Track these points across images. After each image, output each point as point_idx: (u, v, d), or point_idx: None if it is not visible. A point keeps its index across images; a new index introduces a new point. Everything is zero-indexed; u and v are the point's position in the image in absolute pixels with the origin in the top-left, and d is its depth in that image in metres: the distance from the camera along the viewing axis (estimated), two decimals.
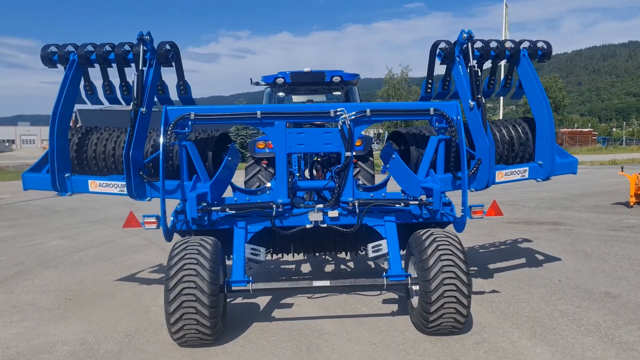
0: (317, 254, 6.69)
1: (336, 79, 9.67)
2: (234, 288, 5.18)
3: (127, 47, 5.59)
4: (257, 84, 10.49)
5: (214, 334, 4.89)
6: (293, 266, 8.15)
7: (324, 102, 10.05)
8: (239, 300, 6.37)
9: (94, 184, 5.73)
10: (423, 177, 5.61)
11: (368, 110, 5.38)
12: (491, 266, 7.84)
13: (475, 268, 7.82)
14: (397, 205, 5.50)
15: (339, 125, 5.35)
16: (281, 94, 10.07)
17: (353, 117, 5.37)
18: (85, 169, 5.92)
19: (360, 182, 7.38)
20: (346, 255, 7.00)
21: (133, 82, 5.56)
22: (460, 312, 4.93)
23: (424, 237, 5.21)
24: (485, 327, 5.37)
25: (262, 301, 6.34)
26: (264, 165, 8.61)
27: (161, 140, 5.15)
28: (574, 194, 17.66)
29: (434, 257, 4.98)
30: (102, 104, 6.34)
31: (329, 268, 8.02)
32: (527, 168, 6.09)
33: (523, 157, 6.24)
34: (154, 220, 5.27)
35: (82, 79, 5.89)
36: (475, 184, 5.79)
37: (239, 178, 6.67)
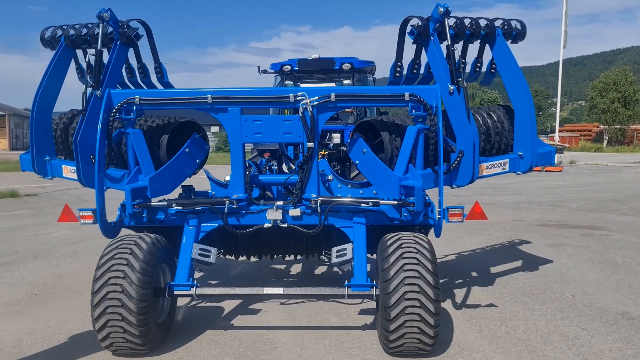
0: (283, 257, 6.03)
1: (346, 66, 9.04)
2: (176, 292, 4.67)
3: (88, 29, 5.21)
4: (265, 71, 9.98)
5: (145, 343, 4.38)
6: (284, 266, 7.57)
7: None
8: (206, 303, 5.85)
9: (66, 169, 5.45)
10: (402, 173, 4.88)
11: (332, 95, 4.73)
12: (497, 274, 6.98)
13: (475, 274, 6.99)
14: (363, 204, 4.80)
15: (300, 112, 4.72)
16: (289, 82, 9.50)
17: (315, 102, 4.73)
18: (72, 155, 5.65)
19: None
20: (307, 258, 6.33)
21: (88, 62, 5.24)
22: (426, 333, 4.21)
23: (388, 243, 4.51)
24: (463, 349, 4.62)
25: (229, 305, 5.80)
26: (267, 158, 8.10)
27: (99, 126, 4.70)
28: (628, 195, 16.18)
29: (396, 267, 4.27)
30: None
31: (321, 270, 7.40)
32: (507, 160, 5.35)
33: (499, 148, 5.50)
34: (90, 214, 4.81)
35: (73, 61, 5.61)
36: (458, 179, 5.04)
37: None
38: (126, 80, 5.89)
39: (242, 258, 6.30)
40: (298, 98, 4.73)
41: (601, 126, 75.25)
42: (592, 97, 75.32)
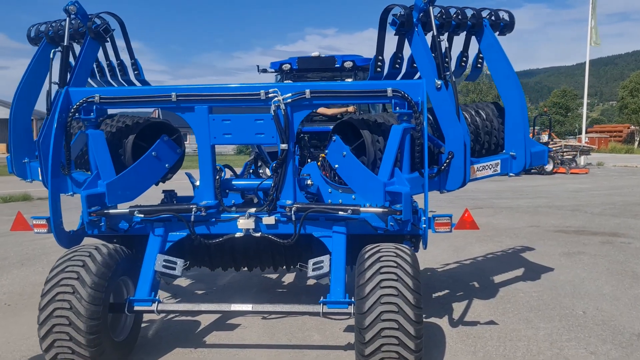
0: (261, 269, 5.56)
1: (348, 64, 8.62)
2: (136, 308, 4.27)
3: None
4: (265, 71, 9.62)
5: None
6: (276, 276, 7.14)
7: None
8: (183, 317, 5.45)
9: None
10: (387, 178, 4.40)
11: (307, 92, 4.29)
12: (502, 287, 6.41)
13: (479, 286, 6.44)
14: (340, 212, 4.34)
15: (272, 111, 4.29)
16: (289, 81, 9.09)
17: (289, 100, 4.30)
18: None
19: None
20: (288, 270, 5.88)
21: (51, 58, 4.94)
22: (405, 358, 3.72)
23: (366, 255, 4.04)
24: None
25: (208, 319, 5.39)
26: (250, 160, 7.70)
27: (54, 125, 4.36)
28: None
29: (372, 283, 3.80)
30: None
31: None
32: (498, 161, 4.90)
33: (489, 148, 5.07)
34: (44, 222, 4.45)
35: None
36: (448, 183, 4.56)
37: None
38: (100, 79, 5.57)
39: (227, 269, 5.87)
40: (270, 95, 4.31)
41: (632, 127, 72.99)
42: (622, 97, 73.31)
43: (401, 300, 3.72)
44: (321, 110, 8.37)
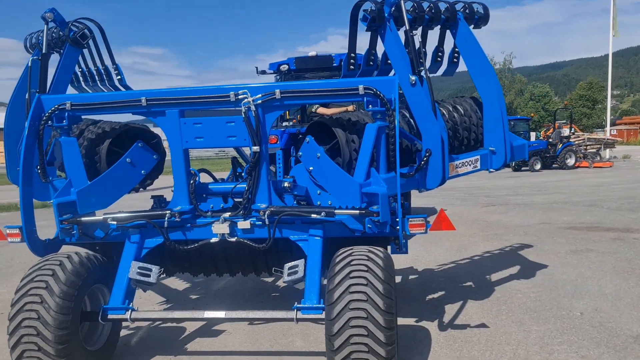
0: (243, 274, 5.45)
1: None
2: (110, 316, 4.23)
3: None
4: (264, 72, 9.55)
5: None
6: (272, 279, 7.04)
7: None
8: (168, 323, 5.39)
9: None
10: (362, 179, 4.27)
11: (277, 92, 4.19)
12: (501, 287, 6.20)
13: (476, 286, 6.24)
14: (313, 215, 4.22)
15: (243, 113, 4.21)
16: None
17: (259, 101, 4.21)
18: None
19: None
20: (270, 275, 5.76)
21: (29, 66, 5.00)
22: None
23: (337, 259, 3.93)
24: None
25: (192, 325, 5.32)
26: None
27: (25, 133, 4.35)
28: None
29: (341, 288, 3.69)
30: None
31: None
32: (478, 157, 4.77)
33: (469, 144, 4.96)
34: (17, 231, 4.44)
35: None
36: (427, 181, 4.41)
37: None
38: (92, 85, 5.59)
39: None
40: (240, 97, 4.23)
41: None
42: None
43: (370, 306, 3.59)
44: (321, 110, 8.25)
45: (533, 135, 33.78)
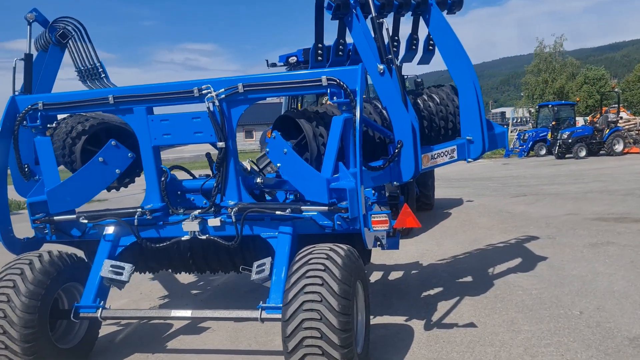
0: (224, 272, 5.36)
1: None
2: (81, 315, 4.27)
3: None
4: (274, 65, 9.49)
5: None
6: None
7: None
8: (155, 321, 5.41)
9: None
10: (330, 174, 4.11)
11: (240, 86, 4.11)
12: (502, 283, 5.90)
13: (476, 282, 5.98)
14: (278, 212, 4.11)
15: (207, 108, 4.14)
16: None
17: (223, 95, 4.13)
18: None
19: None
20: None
21: (14, 67, 5.12)
22: None
23: (297, 258, 3.81)
24: None
25: (180, 323, 5.32)
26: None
27: None
28: None
29: (296, 288, 3.58)
30: None
31: None
32: (455, 146, 4.61)
33: (446, 134, 4.80)
34: None
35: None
36: (399, 174, 4.22)
37: None
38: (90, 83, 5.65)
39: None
40: (203, 92, 4.16)
41: None
42: None
43: (324, 307, 3.47)
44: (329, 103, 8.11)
45: (580, 120, 32.25)
